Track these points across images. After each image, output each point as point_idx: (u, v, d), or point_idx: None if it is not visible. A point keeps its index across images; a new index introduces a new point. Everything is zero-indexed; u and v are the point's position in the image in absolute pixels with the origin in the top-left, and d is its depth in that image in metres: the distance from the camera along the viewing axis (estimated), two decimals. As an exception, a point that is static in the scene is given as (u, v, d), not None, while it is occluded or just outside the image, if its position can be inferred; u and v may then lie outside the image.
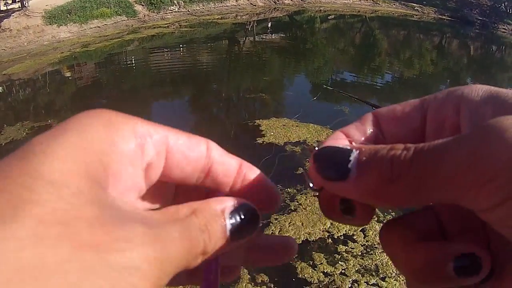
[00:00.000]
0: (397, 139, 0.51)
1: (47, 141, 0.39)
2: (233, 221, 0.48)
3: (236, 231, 0.48)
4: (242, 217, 0.49)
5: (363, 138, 0.60)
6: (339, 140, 0.58)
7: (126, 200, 0.45)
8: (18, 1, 20.39)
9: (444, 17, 45.66)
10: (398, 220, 0.55)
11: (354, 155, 0.48)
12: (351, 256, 6.32)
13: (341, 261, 6.21)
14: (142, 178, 0.48)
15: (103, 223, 0.37)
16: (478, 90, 0.53)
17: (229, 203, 0.49)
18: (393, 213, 6.95)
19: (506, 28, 46.23)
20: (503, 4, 49.15)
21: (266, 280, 5.96)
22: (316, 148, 0.53)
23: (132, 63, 18.55)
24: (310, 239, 6.55)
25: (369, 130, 0.61)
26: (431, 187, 0.43)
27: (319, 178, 0.50)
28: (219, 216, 0.47)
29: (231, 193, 0.55)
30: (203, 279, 0.52)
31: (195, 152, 0.51)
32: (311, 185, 0.54)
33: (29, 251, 0.31)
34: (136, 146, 0.45)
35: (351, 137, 0.59)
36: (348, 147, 0.50)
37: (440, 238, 0.54)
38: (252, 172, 0.56)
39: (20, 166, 0.36)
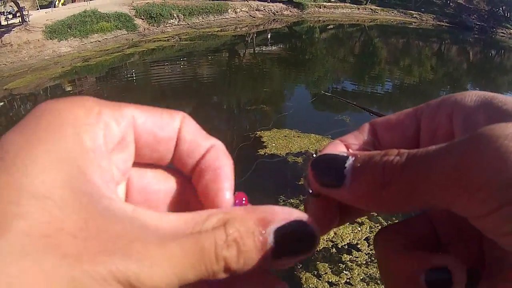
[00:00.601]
0: (393, 147, 0.49)
1: (24, 152, 0.39)
2: (277, 239, 0.42)
3: (280, 251, 0.42)
4: (293, 236, 0.43)
5: (360, 147, 0.60)
6: (337, 147, 0.59)
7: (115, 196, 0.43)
8: (19, 16, 20.51)
9: (442, 24, 45.80)
10: (391, 227, 0.57)
11: (349, 161, 0.49)
12: (355, 265, 6.32)
13: (345, 271, 6.21)
14: (115, 167, 0.47)
15: (86, 235, 0.37)
16: (471, 96, 0.54)
17: (276, 215, 0.44)
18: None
19: (505, 32, 46.40)
20: (500, 9, 49.29)
21: (271, 291, 5.87)
22: (314, 155, 0.54)
23: (133, 77, 18.61)
24: (314, 249, 6.55)
25: (366, 139, 0.61)
26: (422, 193, 0.42)
27: (316, 185, 0.51)
28: (257, 232, 0.42)
29: (191, 176, 0.52)
30: None
31: (166, 131, 0.50)
32: (310, 191, 0.54)
33: (15, 266, 0.33)
34: (104, 138, 0.44)
35: (349, 145, 0.60)
36: (345, 154, 0.50)
37: (434, 247, 0.55)
38: (215, 154, 0.52)
39: (4, 180, 0.37)
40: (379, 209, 0.48)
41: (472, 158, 0.40)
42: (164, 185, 0.53)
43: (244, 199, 0.51)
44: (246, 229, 0.42)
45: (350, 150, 0.58)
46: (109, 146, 0.45)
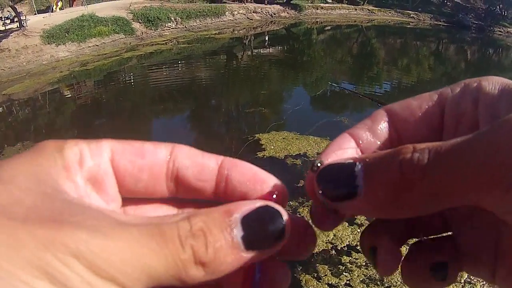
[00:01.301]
0: (415, 139, 0.48)
1: (1, 164, 0.41)
2: (245, 227, 0.42)
3: (251, 240, 0.42)
4: (260, 222, 0.43)
5: (373, 140, 0.56)
6: (345, 143, 0.55)
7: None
8: (17, 21, 20.48)
9: (440, 23, 45.84)
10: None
11: (358, 168, 0.45)
12: (355, 266, 6.31)
13: (345, 272, 6.21)
14: (88, 192, 0.46)
15: (41, 210, 0.37)
16: (496, 82, 0.51)
17: (240, 205, 0.43)
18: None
19: (502, 30, 46.44)
20: (498, 7, 49.28)
21: (271, 293, 5.88)
22: (318, 165, 0.50)
23: (131, 80, 18.61)
24: (313, 251, 6.50)
25: (381, 129, 0.56)
26: (449, 192, 0.39)
27: (326, 200, 0.47)
28: (222, 221, 0.42)
29: (215, 198, 0.50)
30: None
31: (148, 159, 0.48)
32: (326, 207, 0.49)
33: None
34: (77, 162, 0.44)
35: (360, 140, 0.55)
36: (351, 161, 0.46)
37: (439, 229, 0.54)
38: (237, 168, 0.50)
39: None
40: (399, 215, 0.45)
41: (505, 148, 0.37)
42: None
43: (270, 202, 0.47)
44: (212, 219, 0.41)
45: (357, 155, 0.54)
46: (83, 171, 0.44)
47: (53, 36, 20.38)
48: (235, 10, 32.84)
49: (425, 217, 0.52)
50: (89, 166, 0.45)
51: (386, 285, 5.95)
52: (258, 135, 11.06)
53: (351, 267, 6.28)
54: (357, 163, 0.45)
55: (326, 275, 6.12)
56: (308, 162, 8.44)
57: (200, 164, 0.49)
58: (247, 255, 0.42)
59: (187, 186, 0.49)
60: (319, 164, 0.49)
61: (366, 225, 0.53)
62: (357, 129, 0.56)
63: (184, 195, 0.50)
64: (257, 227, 0.42)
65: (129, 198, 0.50)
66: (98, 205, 0.43)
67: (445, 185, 0.39)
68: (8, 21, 21.35)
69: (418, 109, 0.56)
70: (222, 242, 0.40)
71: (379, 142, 0.55)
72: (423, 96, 0.57)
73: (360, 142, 0.55)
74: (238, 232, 0.41)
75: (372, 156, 0.45)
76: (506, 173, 0.36)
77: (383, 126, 0.56)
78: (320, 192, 0.47)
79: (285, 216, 0.44)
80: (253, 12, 34.42)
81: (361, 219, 7.15)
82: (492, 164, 0.37)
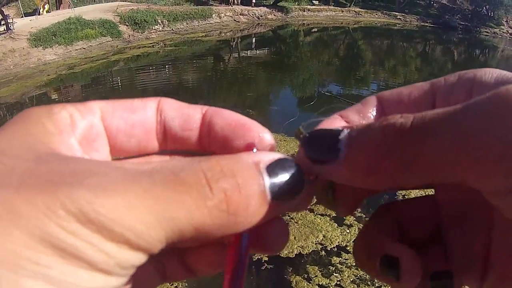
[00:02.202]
0: None
1: None
2: (271, 176, 0.40)
3: (276, 189, 0.40)
4: (284, 173, 0.41)
5: (363, 122, 0.55)
6: (335, 122, 0.55)
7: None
8: (3, 24, 20.33)
9: (426, 24, 46.08)
10: (390, 204, 0.55)
11: (344, 133, 0.44)
12: (345, 267, 6.30)
13: (335, 273, 6.19)
14: (82, 154, 0.44)
15: (35, 173, 0.34)
16: (491, 73, 0.50)
17: (265, 155, 0.42)
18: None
19: (489, 31, 46.76)
20: (484, 8, 49.58)
21: (262, 295, 6.02)
22: (301, 130, 0.50)
23: (118, 83, 18.47)
24: (303, 253, 6.53)
25: (371, 113, 0.57)
26: (431, 161, 0.38)
27: (307, 162, 0.45)
28: (252, 165, 0.40)
29: (202, 149, 0.50)
30: (227, 262, 0.43)
31: (138, 114, 0.47)
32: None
33: None
34: (69, 125, 0.42)
35: (350, 121, 0.55)
36: (339, 128, 0.45)
37: (432, 231, 0.52)
38: (219, 115, 0.49)
39: None
40: (379, 185, 0.43)
41: (495, 118, 0.35)
42: None
43: (255, 149, 0.47)
44: (243, 163, 0.39)
45: (344, 123, 0.54)
46: (76, 134, 0.43)
47: (40, 39, 20.23)
48: (222, 13, 32.81)
49: (417, 221, 0.52)
50: (82, 128, 0.44)
51: (376, 285, 5.96)
52: (246, 137, 10.95)
53: (341, 267, 6.28)
54: (344, 130, 0.45)
55: (316, 276, 6.12)
56: (297, 134, 8.51)
57: (185, 114, 0.49)
58: (273, 206, 0.40)
59: (174, 137, 0.49)
60: (301, 129, 0.49)
61: (355, 225, 0.52)
62: (347, 111, 0.57)
63: (173, 147, 0.50)
64: (281, 177, 0.40)
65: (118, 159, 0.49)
66: (100, 158, 0.44)
67: (427, 152, 0.37)
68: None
69: (408, 96, 0.56)
70: (255, 187, 0.38)
71: None
72: (415, 84, 0.57)
73: (350, 123, 0.55)
74: (267, 180, 0.39)
75: (360, 124, 0.46)
76: (498, 143, 0.34)
77: (373, 110, 0.57)
78: (303, 153, 0.46)
79: (299, 166, 0.43)
80: (240, 15, 34.40)
81: (350, 219, 7.16)
82: (482, 132, 0.35)
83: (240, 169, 0.38)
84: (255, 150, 0.46)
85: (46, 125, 0.41)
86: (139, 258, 0.36)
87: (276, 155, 0.42)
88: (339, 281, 6.05)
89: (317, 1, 45.15)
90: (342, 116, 0.56)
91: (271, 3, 39.38)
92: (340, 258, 6.46)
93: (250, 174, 0.39)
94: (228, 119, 0.49)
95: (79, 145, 0.43)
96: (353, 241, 6.80)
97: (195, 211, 0.35)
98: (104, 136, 0.46)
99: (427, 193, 0.57)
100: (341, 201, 0.52)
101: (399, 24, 45.16)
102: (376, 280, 5.99)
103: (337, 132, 0.45)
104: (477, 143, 0.35)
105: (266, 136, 0.48)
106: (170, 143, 0.50)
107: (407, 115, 0.40)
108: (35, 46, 19.95)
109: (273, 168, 0.40)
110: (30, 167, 0.35)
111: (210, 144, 0.49)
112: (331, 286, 5.95)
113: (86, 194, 0.33)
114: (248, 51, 26.04)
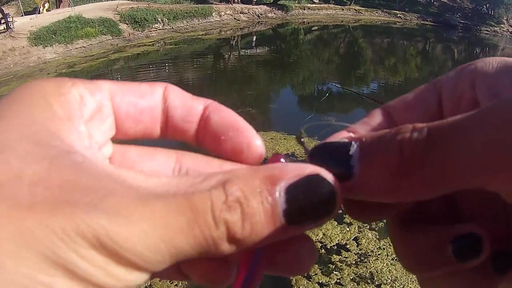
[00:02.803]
0: None
1: None
2: (289, 199, 0.37)
3: (294, 214, 0.37)
4: (307, 195, 0.38)
5: (369, 131, 0.53)
6: (341, 133, 0.52)
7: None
8: (3, 23, 20.29)
9: (427, 23, 46.00)
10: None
11: (354, 147, 0.42)
12: (345, 265, 6.31)
13: (335, 271, 6.20)
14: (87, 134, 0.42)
15: (48, 185, 0.33)
16: (492, 62, 0.50)
17: (288, 172, 0.38)
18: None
19: (489, 29, 46.70)
20: (484, 6, 49.54)
21: (261, 293, 5.87)
22: (302, 139, 0.49)
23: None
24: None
25: (378, 124, 0.55)
26: (453, 173, 0.36)
27: None
28: (263, 190, 0.37)
29: (197, 143, 0.49)
30: (238, 274, 0.43)
31: (147, 100, 0.46)
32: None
33: None
34: (78, 108, 0.41)
35: (356, 134, 0.52)
36: (346, 140, 0.43)
37: (448, 222, 0.49)
38: (219, 112, 0.48)
39: None
40: (396, 199, 0.41)
41: None
42: (150, 163, 0.48)
43: (282, 160, 0.44)
44: (251, 188, 0.37)
45: (351, 135, 0.51)
46: (84, 116, 0.42)
47: (40, 37, 20.20)
48: (222, 11, 32.75)
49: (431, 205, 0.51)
50: (91, 109, 0.42)
51: (376, 283, 5.96)
52: (246, 135, 10.94)
53: (341, 265, 6.28)
54: (353, 142, 0.42)
55: (316, 274, 6.11)
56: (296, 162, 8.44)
57: (188, 106, 0.48)
58: (287, 230, 0.38)
59: (174, 127, 0.48)
60: (302, 139, 0.50)
61: (355, 223, 0.50)
62: (355, 127, 0.54)
63: (170, 136, 0.49)
64: (304, 200, 0.37)
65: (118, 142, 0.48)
66: (112, 168, 0.39)
67: (447, 165, 0.36)
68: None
69: (414, 100, 0.55)
70: (262, 216, 0.36)
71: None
72: (418, 88, 0.56)
73: (353, 136, 0.49)
74: (281, 205, 0.36)
75: (369, 136, 0.43)
76: None
77: (380, 120, 0.55)
78: None
79: (337, 188, 0.39)
80: (240, 13, 34.36)
81: (349, 218, 7.13)
82: (502, 140, 0.34)
83: (247, 196, 0.36)
84: (283, 160, 0.44)
85: (53, 108, 0.39)
86: (144, 278, 0.36)
87: (306, 170, 0.39)
88: (339, 279, 6.05)
89: (317, 0, 45.11)
90: (349, 130, 0.54)
91: (271, 1, 39.29)
92: (340, 256, 6.46)
93: (257, 202, 0.36)
94: (224, 117, 0.48)
95: (86, 125, 0.42)
96: (353, 239, 6.81)
97: (200, 240, 0.35)
98: (112, 118, 0.45)
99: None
100: (356, 213, 0.49)
101: (399, 22, 45.13)
102: (375, 278, 6.01)
103: (346, 146, 0.42)
104: (495, 151, 0.34)
105: (256, 143, 0.47)
106: (170, 132, 0.49)
107: (421, 127, 0.39)
108: (35, 45, 19.91)
109: (295, 189, 0.37)
110: (41, 176, 0.33)
111: (204, 139, 0.48)
112: (331, 284, 5.95)
113: (101, 220, 0.32)
114: (248, 49, 26.05)
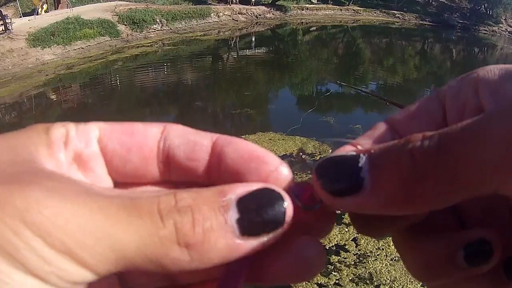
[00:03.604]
0: None
1: None
2: (240, 210, 0.37)
3: (247, 224, 0.38)
4: (257, 206, 0.38)
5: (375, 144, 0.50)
6: (346, 150, 0.49)
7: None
8: (2, 24, 20.25)
9: (425, 23, 46.06)
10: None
11: (363, 160, 0.41)
12: (344, 266, 6.31)
13: (334, 272, 6.20)
14: (73, 171, 0.42)
15: (1, 175, 0.34)
16: (494, 69, 0.49)
17: (236, 187, 0.39)
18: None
19: (487, 29, 46.74)
20: (482, 6, 49.55)
21: (260, 294, 5.86)
22: (301, 154, 0.47)
23: (117, 83, 18.47)
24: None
25: (383, 136, 0.53)
26: (467, 178, 0.36)
27: (326, 196, 0.42)
28: (214, 200, 0.37)
29: (211, 183, 0.44)
30: None
31: (136, 137, 0.44)
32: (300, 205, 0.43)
33: None
34: (58, 136, 0.41)
35: (361, 147, 0.50)
36: (354, 153, 0.42)
37: (455, 230, 0.48)
38: (231, 145, 0.45)
39: None
40: (409, 210, 0.40)
41: None
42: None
43: (311, 193, 0.43)
44: (203, 197, 0.37)
45: (359, 147, 0.49)
46: (69, 151, 0.42)
47: (38, 39, 20.18)
48: (220, 12, 32.75)
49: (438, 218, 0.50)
50: (74, 146, 0.42)
51: (375, 283, 5.96)
52: (244, 136, 10.96)
53: (340, 266, 6.28)
54: (361, 155, 0.41)
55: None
56: (294, 163, 8.44)
57: (192, 142, 0.45)
58: (242, 242, 0.37)
59: (179, 167, 0.45)
60: (302, 154, 0.45)
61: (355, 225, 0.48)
62: (359, 140, 0.52)
63: (177, 178, 0.46)
64: (254, 211, 0.38)
65: (123, 183, 0.46)
66: (96, 178, 0.42)
67: (459, 170, 0.36)
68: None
69: (417, 111, 0.55)
70: (213, 222, 0.36)
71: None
72: (421, 99, 0.56)
73: (361, 148, 0.49)
74: (232, 214, 0.37)
75: (377, 147, 0.42)
76: None
77: (384, 133, 0.54)
78: (320, 186, 0.42)
79: (286, 200, 0.40)
80: (239, 14, 34.35)
81: (348, 218, 7.11)
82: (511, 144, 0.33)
83: (198, 203, 0.37)
84: (271, 185, 0.41)
85: (40, 138, 0.40)
86: (83, 275, 0.34)
87: (254, 186, 0.40)
88: (338, 280, 6.05)
89: (316, 0, 45.11)
90: (353, 144, 0.51)
91: (270, 2, 39.24)
92: (339, 257, 6.46)
93: (208, 208, 0.37)
94: (241, 150, 0.44)
95: (73, 162, 0.42)
96: (351, 240, 6.80)
97: (146, 238, 0.34)
98: (101, 157, 0.44)
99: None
100: (366, 229, 0.49)
101: (397, 22, 45.15)
102: (374, 279, 6.01)
103: (355, 158, 0.41)
104: (507, 153, 0.33)
105: (283, 170, 0.44)
106: (174, 173, 0.46)
107: (432, 135, 0.38)
108: (34, 46, 19.90)
109: (246, 201, 0.38)
110: (3, 169, 0.35)
111: (220, 177, 0.45)
112: (330, 285, 5.96)
113: (37, 193, 0.32)
114: (247, 50, 26.08)
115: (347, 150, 0.47)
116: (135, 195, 0.37)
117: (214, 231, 0.36)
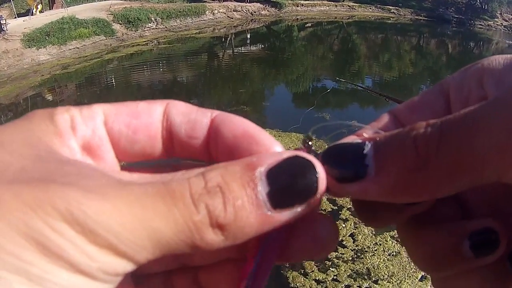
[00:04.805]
0: None
1: None
2: (270, 182, 0.37)
3: (279, 196, 0.37)
4: (288, 176, 0.38)
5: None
6: (351, 137, 0.48)
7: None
8: (-3, 25, 20.26)
9: (420, 18, 46.01)
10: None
11: (368, 147, 0.42)
12: (342, 261, 6.33)
13: (332, 267, 6.21)
14: (84, 158, 0.43)
15: (29, 171, 0.34)
16: (498, 59, 0.49)
17: (265, 158, 0.39)
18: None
19: (483, 24, 46.73)
20: (478, 0, 49.51)
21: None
22: (308, 141, 0.47)
23: (112, 82, 18.52)
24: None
25: (387, 126, 0.54)
26: (469, 165, 0.36)
27: (332, 182, 0.42)
28: (243, 175, 0.37)
29: (208, 158, 0.47)
30: (245, 267, 0.42)
31: (142, 119, 0.45)
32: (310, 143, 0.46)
33: None
34: (70, 127, 0.41)
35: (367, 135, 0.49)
36: (359, 140, 0.43)
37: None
38: (227, 123, 0.45)
39: None
40: (412, 198, 0.41)
41: None
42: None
43: (301, 152, 0.42)
44: (231, 173, 0.37)
45: (365, 135, 0.49)
46: (77, 138, 0.42)
47: (33, 39, 20.12)
48: (215, 9, 32.68)
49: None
50: (82, 132, 0.42)
51: (373, 278, 5.98)
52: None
53: (337, 262, 6.30)
54: (366, 142, 0.42)
55: (313, 271, 6.13)
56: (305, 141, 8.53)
57: (192, 120, 0.46)
58: (275, 215, 0.37)
59: (181, 144, 0.46)
60: (310, 142, 0.46)
61: (351, 219, 0.48)
62: (363, 131, 0.52)
63: (180, 154, 0.47)
64: (285, 181, 0.38)
65: (129, 166, 0.46)
66: (96, 165, 0.41)
67: (462, 157, 0.36)
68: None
69: (421, 102, 0.55)
70: (244, 199, 0.36)
71: None
72: (425, 90, 0.56)
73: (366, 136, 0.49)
74: (262, 188, 0.37)
75: (382, 135, 0.43)
76: None
77: (388, 123, 0.54)
78: (325, 172, 0.42)
79: (318, 168, 0.40)
80: (234, 11, 34.29)
81: (346, 214, 7.18)
82: None
83: (227, 181, 0.36)
84: (301, 152, 0.42)
85: (48, 126, 0.40)
86: (124, 266, 0.35)
87: (284, 154, 0.40)
88: (336, 275, 6.07)
89: (311, -4, 45.14)
90: (357, 134, 0.50)
91: (265, -2, 39.29)
92: (337, 253, 6.47)
93: (238, 185, 0.36)
94: (235, 128, 0.45)
95: (83, 149, 0.42)
96: (349, 235, 6.81)
97: (182, 225, 0.34)
98: (108, 141, 0.44)
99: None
100: (370, 217, 0.49)
101: (393, 18, 45.04)
102: (372, 274, 6.02)
103: (360, 145, 0.42)
104: (509, 139, 0.34)
105: (277, 150, 0.44)
106: (177, 150, 0.47)
107: (433, 121, 0.39)
108: (29, 47, 19.85)
109: (276, 172, 0.38)
110: (27, 165, 0.35)
111: (216, 153, 0.46)
112: (328, 281, 5.97)
113: (76, 194, 0.32)
114: (242, 47, 26.06)
115: (353, 138, 0.47)
116: (166, 179, 0.37)
117: (246, 208, 0.36)
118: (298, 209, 0.38)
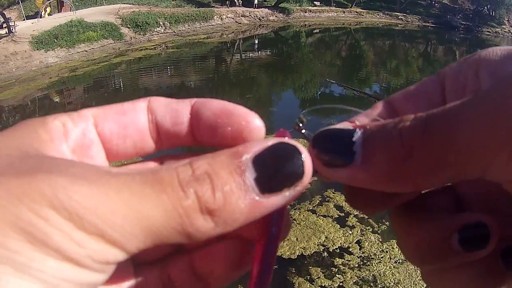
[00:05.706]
0: None
1: None
2: (257, 168, 0.38)
3: (266, 181, 0.38)
4: (275, 161, 0.39)
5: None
6: (343, 123, 0.50)
7: None
8: (5, 27, 20.25)
9: (428, 24, 45.98)
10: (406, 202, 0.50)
11: (358, 134, 0.43)
12: (348, 268, 6.30)
13: (338, 274, 6.19)
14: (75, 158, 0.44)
15: (16, 166, 0.34)
16: (496, 50, 0.49)
17: (250, 146, 0.40)
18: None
19: (490, 30, 46.73)
20: (485, 7, 49.53)
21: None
22: (299, 122, 0.49)
23: (120, 86, 18.46)
24: (305, 254, 6.53)
25: (381, 114, 0.55)
26: (451, 158, 0.36)
27: (320, 166, 0.44)
28: (230, 162, 0.38)
29: (196, 143, 0.49)
30: (255, 253, 0.43)
31: (130, 115, 0.47)
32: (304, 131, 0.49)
33: None
34: (62, 133, 0.42)
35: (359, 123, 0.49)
36: (350, 127, 0.44)
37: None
38: (206, 105, 0.47)
39: None
40: (399, 188, 0.42)
41: (508, 105, 0.34)
42: None
43: (286, 138, 0.44)
44: (218, 162, 0.38)
45: (357, 122, 0.50)
46: (69, 141, 0.43)
47: (42, 42, 20.17)
48: (223, 14, 32.72)
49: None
50: (74, 136, 0.43)
51: (379, 286, 5.95)
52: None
53: (343, 269, 6.27)
54: (357, 130, 0.43)
55: (319, 277, 6.11)
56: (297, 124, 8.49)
57: (174, 110, 0.48)
58: (263, 200, 0.38)
59: (167, 134, 0.48)
60: (300, 124, 0.49)
61: (358, 226, 0.50)
62: (357, 118, 0.55)
63: (168, 145, 0.49)
64: (272, 167, 0.39)
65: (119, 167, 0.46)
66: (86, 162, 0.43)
67: (444, 150, 0.37)
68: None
69: (417, 92, 0.56)
70: (232, 185, 0.37)
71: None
72: (423, 80, 0.57)
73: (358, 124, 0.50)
74: (250, 174, 0.38)
75: (373, 124, 0.44)
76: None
77: (382, 112, 0.56)
78: (314, 155, 0.44)
79: (303, 152, 0.41)
80: (242, 16, 34.32)
81: (352, 221, 7.16)
82: (497, 123, 0.34)
83: (215, 168, 0.37)
84: (287, 139, 0.43)
85: (39, 133, 0.41)
86: (114, 254, 0.35)
87: (270, 141, 0.40)
88: (342, 282, 6.04)
89: (319, 2, 45.02)
90: (351, 121, 0.52)
91: (273, 4, 39.24)
92: (343, 260, 6.45)
93: (225, 172, 0.37)
94: (214, 106, 0.47)
95: (73, 153, 0.43)
96: (355, 242, 6.79)
97: (171, 211, 0.35)
98: (99, 142, 0.46)
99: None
100: (358, 203, 0.51)
101: (400, 24, 45.10)
102: (378, 281, 6.00)
103: (350, 132, 0.43)
104: (491, 134, 0.34)
105: (254, 121, 0.46)
106: (165, 141, 0.49)
107: (420, 114, 0.40)
108: (37, 49, 19.88)
109: (262, 159, 0.39)
110: (14, 162, 0.35)
111: (201, 136, 0.48)
112: (334, 287, 5.94)
113: (63, 180, 0.32)
114: (250, 52, 26.05)
115: (345, 124, 0.48)
116: (154, 169, 0.37)
117: (234, 193, 0.37)
118: (287, 193, 0.39)
